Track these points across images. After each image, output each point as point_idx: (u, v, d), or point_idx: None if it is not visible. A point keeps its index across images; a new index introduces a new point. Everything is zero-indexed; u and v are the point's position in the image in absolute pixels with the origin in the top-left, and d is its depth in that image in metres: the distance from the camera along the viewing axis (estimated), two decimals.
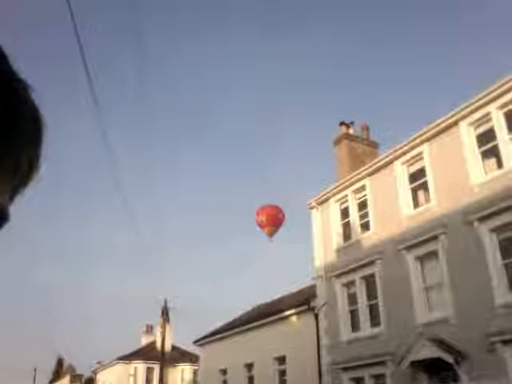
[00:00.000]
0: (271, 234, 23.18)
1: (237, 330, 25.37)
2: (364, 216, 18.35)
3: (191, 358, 41.57)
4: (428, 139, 15.79)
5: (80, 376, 61.31)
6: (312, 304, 19.62)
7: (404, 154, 16.67)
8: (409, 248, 15.62)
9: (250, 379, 23.44)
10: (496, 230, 13.25)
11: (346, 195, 19.20)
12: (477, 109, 14.29)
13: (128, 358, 42.78)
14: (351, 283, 18.02)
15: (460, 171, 14.59)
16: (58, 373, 72.70)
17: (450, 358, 13.11)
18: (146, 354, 43.00)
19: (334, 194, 19.71)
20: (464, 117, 14.65)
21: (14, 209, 0.53)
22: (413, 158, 16.47)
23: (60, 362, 75.21)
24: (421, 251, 15.35)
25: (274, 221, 23.02)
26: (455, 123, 14.93)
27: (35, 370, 55.61)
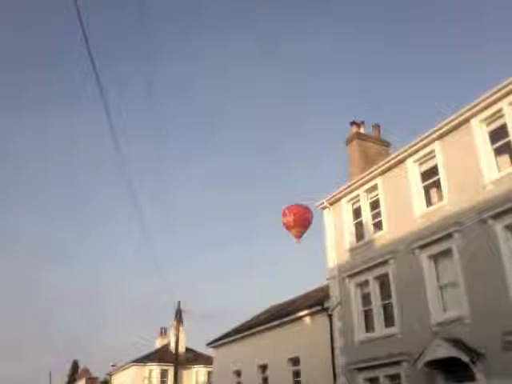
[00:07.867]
0: (299, 236, 21.73)
1: (250, 331, 25.36)
2: (376, 215, 18.25)
3: (205, 360, 41.70)
4: (440, 137, 15.66)
5: (95, 379, 61.72)
6: (326, 305, 19.56)
7: (416, 152, 16.54)
8: (422, 247, 15.50)
9: (265, 380, 23.41)
10: (511, 227, 13.07)
11: (358, 195, 19.12)
12: (488, 105, 14.14)
13: (142, 360, 43.02)
14: (365, 283, 17.92)
15: (473, 168, 14.45)
16: (73, 376, 73.32)
17: (465, 358, 12.96)
18: (161, 356, 43.23)
19: (346, 194, 19.63)
20: (476, 113, 14.50)
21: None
22: (425, 156, 16.34)
23: (75, 366, 75.87)
24: (434, 250, 15.21)
25: (301, 221, 21.55)
26: (467, 120, 14.79)
27: (50, 373, 56.21)
